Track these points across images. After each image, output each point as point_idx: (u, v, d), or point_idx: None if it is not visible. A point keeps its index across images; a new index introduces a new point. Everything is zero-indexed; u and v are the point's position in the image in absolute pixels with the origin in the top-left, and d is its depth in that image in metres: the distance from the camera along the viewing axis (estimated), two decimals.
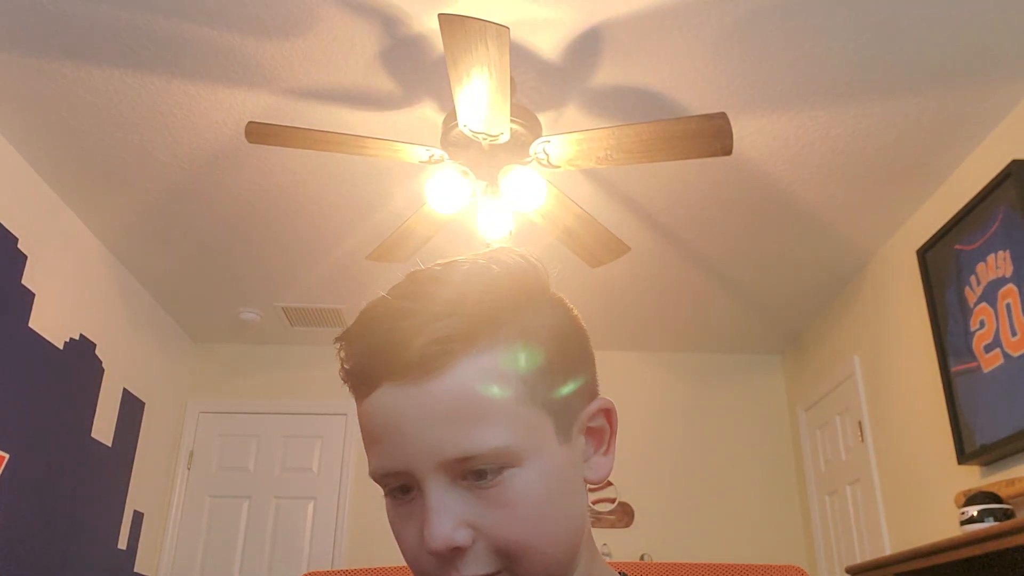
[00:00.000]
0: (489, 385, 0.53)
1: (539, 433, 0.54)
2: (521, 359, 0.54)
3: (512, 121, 2.16)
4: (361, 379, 0.55)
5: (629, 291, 3.82)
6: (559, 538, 0.55)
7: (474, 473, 0.52)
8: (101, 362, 3.49)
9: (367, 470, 0.58)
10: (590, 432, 0.60)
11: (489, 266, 0.57)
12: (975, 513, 2.26)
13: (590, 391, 0.60)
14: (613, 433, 0.61)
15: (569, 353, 0.58)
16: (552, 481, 0.54)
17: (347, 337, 0.57)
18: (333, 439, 4.37)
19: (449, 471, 0.52)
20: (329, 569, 0.92)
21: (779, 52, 2.29)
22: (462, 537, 0.52)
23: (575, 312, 0.62)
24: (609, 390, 0.63)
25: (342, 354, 0.58)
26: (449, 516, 0.52)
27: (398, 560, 0.59)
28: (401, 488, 0.55)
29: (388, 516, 0.57)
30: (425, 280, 0.56)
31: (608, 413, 0.61)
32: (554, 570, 0.55)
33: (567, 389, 0.57)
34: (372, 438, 0.55)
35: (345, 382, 0.58)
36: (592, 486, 0.61)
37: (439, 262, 0.59)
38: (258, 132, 2.19)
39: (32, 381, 2.96)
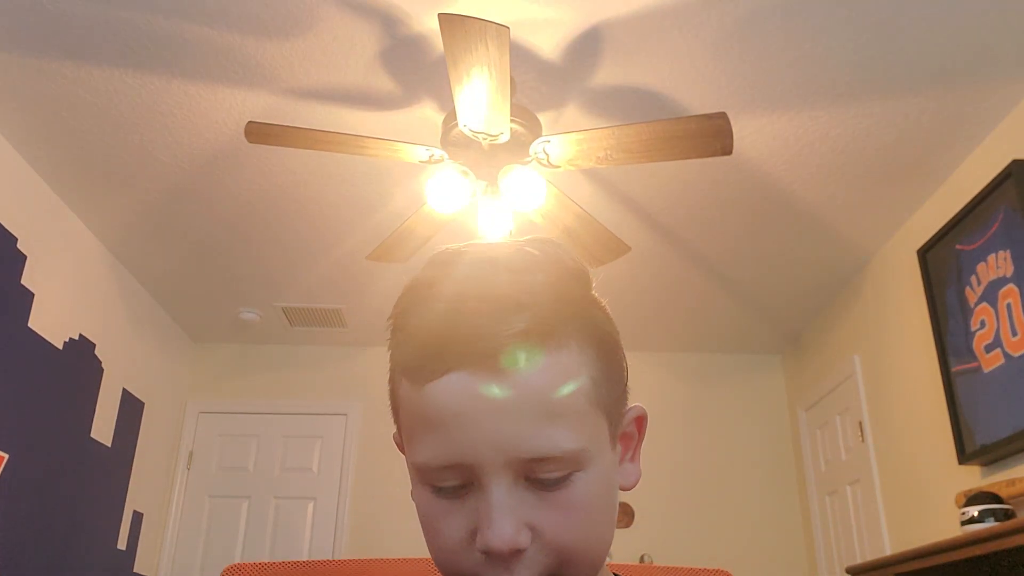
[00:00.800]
0: (567, 383, 0.51)
1: (600, 435, 0.53)
2: (590, 358, 0.53)
3: (512, 121, 2.16)
4: (424, 363, 0.51)
5: (629, 291, 3.81)
6: (604, 543, 0.54)
7: (542, 475, 0.50)
8: (101, 362, 3.49)
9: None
10: (623, 438, 0.59)
11: (551, 259, 0.55)
12: (976, 513, 2.26)
13: (626, 395, 0.59)
14: (641, 440, 0.61)
15: (618, 354, 0.57)
16: (605, 486, 0.54)
17: (405, 314, 0.53)
18: (333, 439, 4.37)
19: (516, 469, 0.50)
20: (259, 561, 0.91)
21: (779, 52, 2.29)
22: (524, 539, 0.50)
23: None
24: None
25: (394, 333, 0.54)
26: (513, 516, 0.49)
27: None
28: (451, 483, 0.52)
29: (422, 507, 0.54)
30: (488, 261, 0.54)
31: (640, 420, 0.60)
32: (593, 573, 0.54)
33: (619, 391, 0.56)
34: (431, 426, 0.51)
35: (397, 364, 0.54)
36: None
37: (479, 243, 0.57)
38: (258, 132, 2.19)
39: (32, 381, 2.96)
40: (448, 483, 0.51)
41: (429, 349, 0.50)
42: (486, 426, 0.49)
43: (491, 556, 0.50)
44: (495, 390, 0.49)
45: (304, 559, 4.18)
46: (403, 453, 0.60)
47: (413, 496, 0.58)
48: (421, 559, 0.91)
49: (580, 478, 0.51)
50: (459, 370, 0.49)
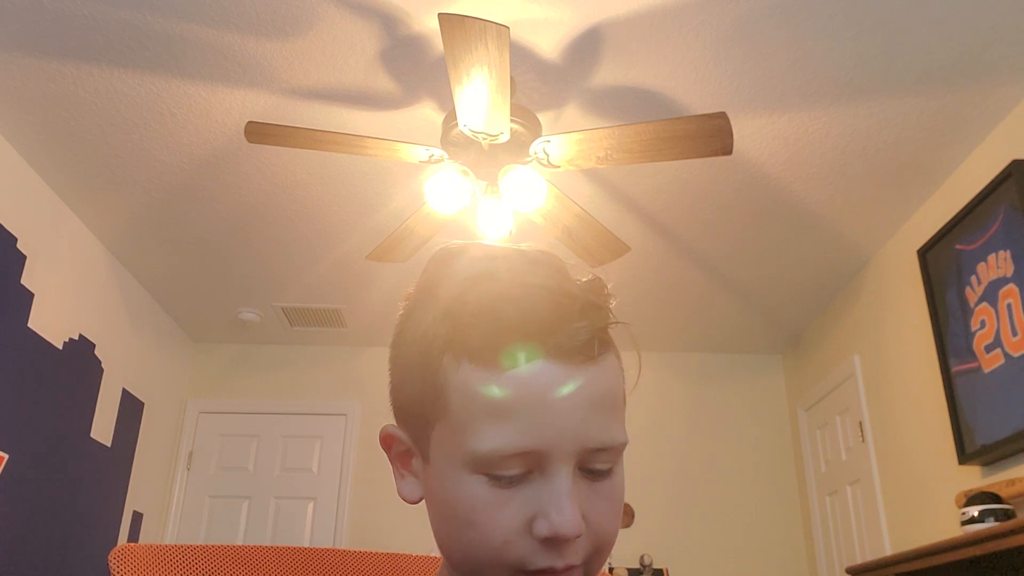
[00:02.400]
0: (621, 380, 0.56)
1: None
2: (620, 361, 0.58)
3: (512, 121, 2.16)
4: (508, 348, 0.51)
5: (629, 291, 3.81)
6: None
7: (594, 465, 0.53)
8: (100, 362, 3.49)
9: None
10: None
11: (569, 264, 0.59)
12: (976, 513, 2.26)
13: None
14: None
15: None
16: (624, 482, 0.58)
17: (476, 296, 0.53)
18: (333, 439, 4.37)
19: (579, 459, 0.52)
20: (150, 543, 0.89)
21: (779, 52, 2.29)
22: (584, 526, 0.52)
23: None
24: None
25: (463, 317, 0.53)
26: (576, 504, 0.51)
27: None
28: (513, 472, 0.52)
29: (469, 499, 0.52)
30: (536, 261, 0.56)
31: None
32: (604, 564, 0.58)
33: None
34: (506, 413, 0.51)
35: (464, 344, 0.52)
36: None
37: (513, 246, 0.59)
38: (258, 132, 2.19)
39: (31, 381, 2.96)
40: (511, 471, 0.51)
41: (510, 335, 0.51)
42: (566, 414, 0.51)
43: (552, 542, 0.51)
44: (578, 380, 0.51)
45: None
46: (389, 449, 0.60)
47: (406, 492, 0.58)
48: (340, 550, 0.91)
49: (617, 471, 0.55)
50: (548, 359, 0.51)
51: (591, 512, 0.53)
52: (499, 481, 0.52)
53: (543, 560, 0.51)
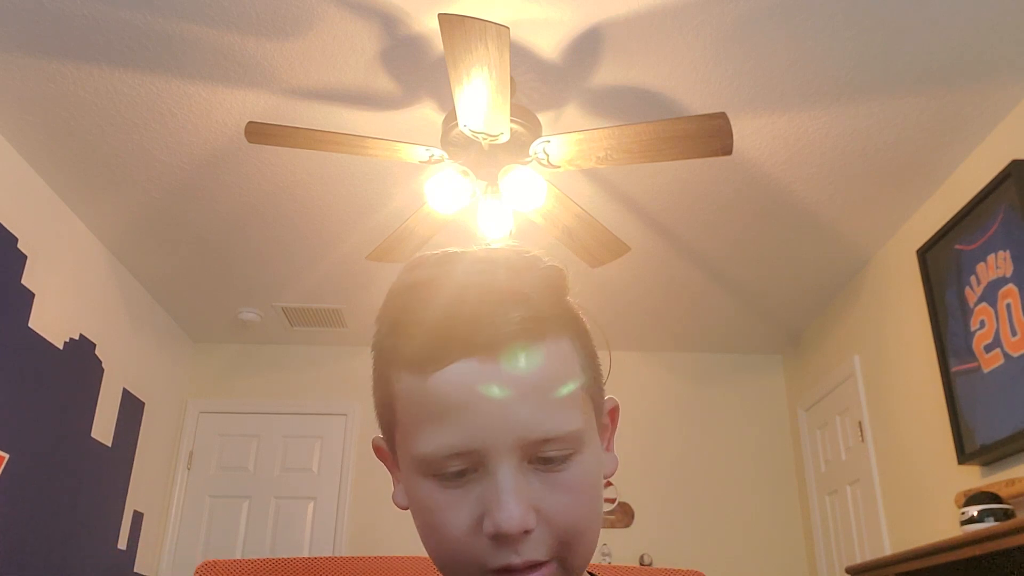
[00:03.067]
0: (567, 369, 0.54)
1: (591, 423, 0.56)
2: (579, 350, 0.57)
3: (512, 121, 2.16)
4: (432, 353, 0.52)
5: (629, 291, 3.82)
6: (599, 528, 0.57)
7: (545, 456, 0.52)
8: (101, 362, 3.49)
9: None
10: (600, 429, 0.61)
11: (538, 257, 0.58)
12: (975, 513, 2.26)
13: (603, 389, 0.63)
14: (614, 431, 0.64)
15: (595, 350, 0.61)
16: (598, 469, 0.56)
17: (405, 309, 0.55)
18: (333, 439, 4.37)
19: (523, 452, 0.52)
20: (232, 558, 0.90)
21: (779, 52, 2.29)
22: (532, 520, 0.51)
23: None
24: (609, 390, 0.64)
25: (392, 328, 0.56)
26: (521, 498, 0.51)
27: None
28: (456, 471, 0.53)
29: (424, 501, 0.54)
30: (486, 259, 0.57)
31: (614, 412, 0.64)
32: (590, 556, 0.56)
33: (600, 383, 0.60)
34: (435, 416, 0.52)
35: (401, 357, 0.54)
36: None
37: (472, 248, 0.59)
38: (258, 132, 2.19)
39: (32, 381, 2.96)
40: (455, 471, 0.52)
41: (435, 340, 0.52)
42: (492, 411, 0.51)
43: (500, 539, 0.51)
44: (500, 376, 0.51)
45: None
46: (383, 459, 0.62)
47: (398, 500, 0.60)
48: (408, 557, 0.91)
49: (579, 460, 0.54)
50: (468, 357, 0.51)
51: (547, 504, 0.52)
52: (448, 482, 0.53)
53: (499, 558, 0.51)
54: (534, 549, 0.52)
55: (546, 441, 0.52)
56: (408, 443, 0.54)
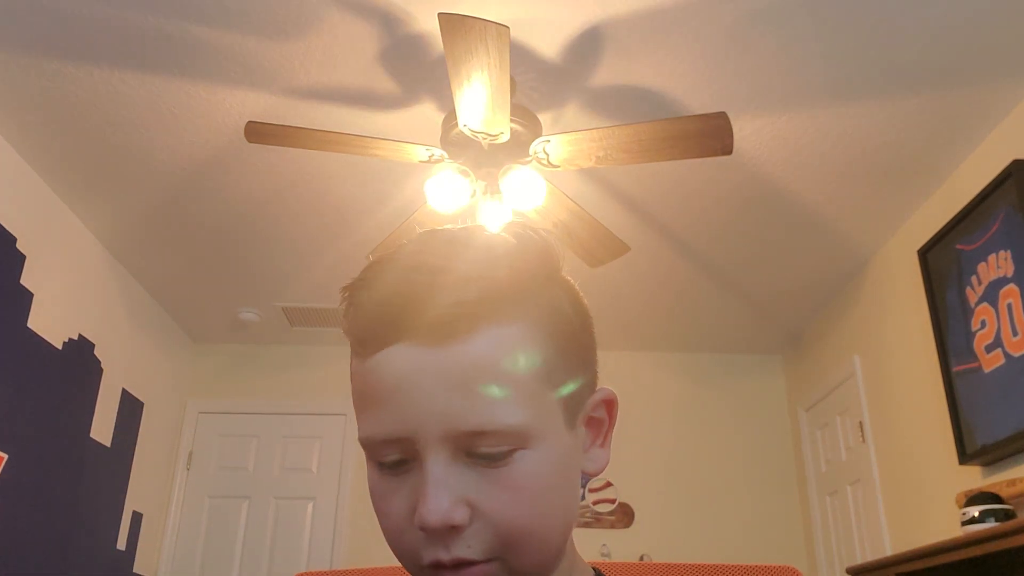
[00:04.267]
0: (512, 358, 0.50)
1: (551, 416, 0.52)
2: (543, 337, 0.52)
3: (512, 121, 2.16)
4: (369, 335, 0.50)
5: (629, 291, 3.81)
6: (557, 527, 0.52)
7: (482, 452, 0.49)
8: (100, 362, 3.49)
9: (365, 472, 0.56)
10: (590, 422, 0.58)
11: (518, 239, 0.54)
12: (976, 513, 2.26)
13: (594, 380, 0.58)
14: (612, 425, 0.60)
15: (582, 338, 0.57)
16: (558, 467, 0.52)
17: (358, 286, 0.53)
18: (332, 439, 4.37)
19: (455, 444, 0.49)
20: (324, 569, 0.89)
21: (779, 52, 2.29)
22: (460, 515, 0.48)
23: (583, 297, 0.60)
24: None
25: (346, 306, 0.53)
26: (449, 492, 0.48)
27: (396, 560, 0.55)
28: (395, 460, 0.51)
29: (370, 486, 0.53)
30: (448, 239, 0.53)
31: (610, 404, 0.59)
32: (547, 561, 0.53)
33: (579, 374, 0.55)
34: (371, 400, 0.51)
35: (347, 336, 0.53)
36: (590, 483, 0.59)
37: (454, 225, 0.56)
38: (258, 132, 2.19)
39: (31, 381, 2.96)
40: (390, 457, 0.51)
41: (373, 322, 0.50)
42: (423, 399, 0.48)
43: (428, 533, 0.49)
44: (434, 362, 0.48)
45: (304, 559, 4.18)
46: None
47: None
48: None
49: (525, 456, 0.50)
50: (401, 342, 0.49)
51: (482, 501, 0.49)
52: (386, 470, 0.51)
53: (429, 553, 0.49)
54: (466, 547, 0.49)
55: (478, 435, 0.48)
56: (358, 424, 0.53)
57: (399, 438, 0.49)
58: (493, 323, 0.49)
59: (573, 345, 0.55)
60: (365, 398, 0.51)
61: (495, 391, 0.49)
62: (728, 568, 0.86)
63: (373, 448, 0.51)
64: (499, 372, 0.49)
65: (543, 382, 0.51)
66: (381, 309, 0.50)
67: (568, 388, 0.54)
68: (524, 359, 0.50)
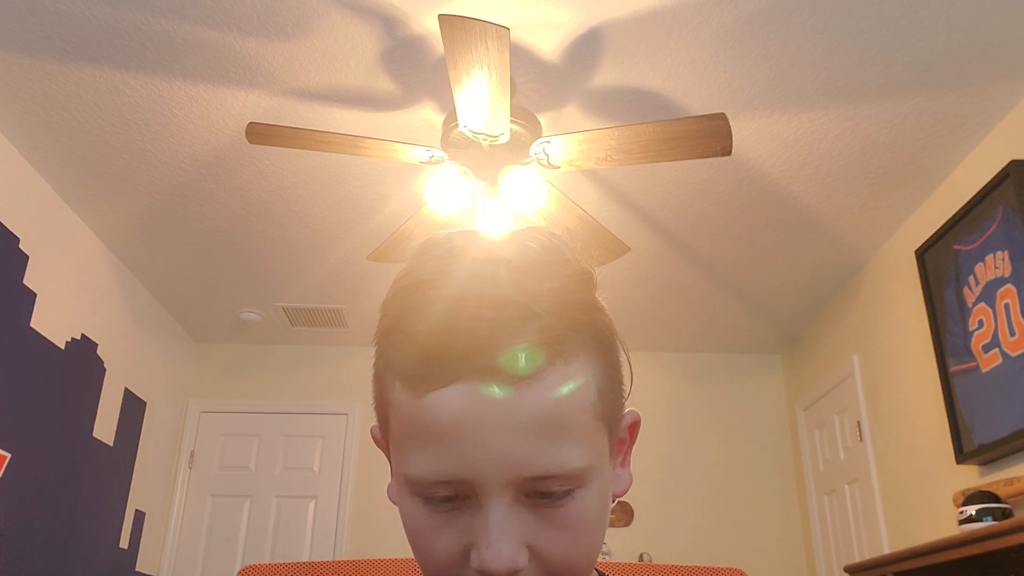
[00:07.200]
0: (576, 398, 0.48)
1: (602, 451, 0.51)
2: (597, 368, 0.50)
3: (512, 122, 2.17)
4: (426, 371, 0.47)
5: (629, 291, 3.82)
6: (595, 556, 0.52)
7: (543, 491, 0.47)
8: (103, 362, 3.50)
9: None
10: (618, 443, 0.56)
11: (557, 259, 0.51)
12: (973, 512, 2.27)
13: (624, 400, 0.56)
14: (632, 444, 0.59)
15: (619, 359, 0.54)
16: (604, 501, 0.51)
17: (407, 315, 0.49)
18: (334, 439, 4.38)
19: (517, 488, 0.47)
20: (273, 562, 0.89)
21: (778, 53, 2.30)
22: (523, 559, 0.47)
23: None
24: None
25: (392, 333, 0.50)
26: (512, 538, 0.47)
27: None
28: (445, 496, 0.49)
29: (411, 519, 0.50)
30: (491, 264, 0.49)
31: (634, 426, 0.58)
32: None
33: (620, 399, 0.54)
34: (425, 440, 0.47)
35: (392, 367, 0.50)
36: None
37: (478, 234, 0.53)
38: (259, 133, 2.20)
39: (34, 381, 2.97)
40: (443, 496, 0.48)
41: (430, 357, 0.47)
42: (489, 443, 0.46)
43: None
44: (500, 405, 0.46)
45: (306, 558, 4.20)
46: (382, 449, 0.58)
47: (392, 496, 0.56)
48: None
49: (580, 496, 0.49)
50: (462, 381, 0.46)
51: (540, 542, 0.48)
52: (435, 505, 0.49)
53: None
54: None
55: (545, 478, 0.47)
56: (398, 458, 0.51)
57: (459, 479, 0.47)
58: (558, 360, 0.47)
59: (616, 369, 0.53)
60: (417, 436, 0.48)
61: (562, 435, 0.47)
62: (674, 568, 0.87)
63: (424, 487, 0.49)
64: (565, 413, 0.47)
65: (598, 416, 0.50)
66: (441, 347, 0.47)
67: (613, 416, 0.52)
68: (584, 398, 0.49)
